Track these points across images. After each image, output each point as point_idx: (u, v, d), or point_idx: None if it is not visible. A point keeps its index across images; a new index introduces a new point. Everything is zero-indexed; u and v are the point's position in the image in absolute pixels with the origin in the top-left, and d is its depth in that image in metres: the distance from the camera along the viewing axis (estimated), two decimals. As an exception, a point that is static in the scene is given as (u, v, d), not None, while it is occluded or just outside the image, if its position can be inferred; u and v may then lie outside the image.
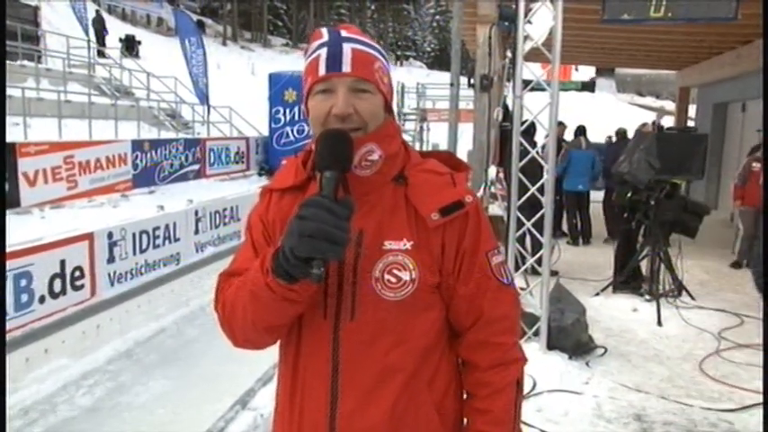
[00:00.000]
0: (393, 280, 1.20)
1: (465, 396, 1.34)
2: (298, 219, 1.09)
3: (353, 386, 1.22)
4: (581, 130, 9.17)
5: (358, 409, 1.22)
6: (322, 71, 1.21)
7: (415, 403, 1.24)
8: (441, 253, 1.24)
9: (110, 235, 5.83)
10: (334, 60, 1.20)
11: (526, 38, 4.33)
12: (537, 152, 4.65)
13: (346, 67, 1.20)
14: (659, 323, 5.27)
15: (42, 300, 4.95)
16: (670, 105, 24.80)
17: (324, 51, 1.22)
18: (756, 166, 7.52)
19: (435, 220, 1.22)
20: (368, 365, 1.22)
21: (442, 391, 1.28)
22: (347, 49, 1.21)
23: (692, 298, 5.92)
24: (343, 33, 1.24)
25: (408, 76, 34.52)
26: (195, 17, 34.99)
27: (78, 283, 5.35)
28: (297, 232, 1.08)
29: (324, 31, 1.26)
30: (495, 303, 1.28)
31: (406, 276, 1.20)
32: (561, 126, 9.42)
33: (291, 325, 1.26)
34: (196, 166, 14.03)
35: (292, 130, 16.02)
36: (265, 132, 16.71)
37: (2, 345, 2.52)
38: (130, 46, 24.30)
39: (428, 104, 22.12)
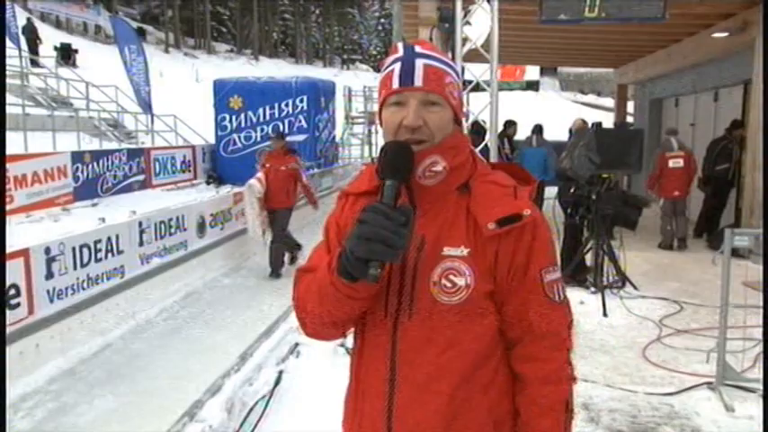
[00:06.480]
0: (449, 285, 1.27)
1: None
2: (358, 222, 1.19)
3: (409, 381, 1.30)
4: (537, 129, 9.26)
5: (412, 403, 1.30)
6: (395, 85, 1.30)
7: (467, 407, 1.30)
8: (494, 262, 1.29)
9: (47, 250, 5.60)
10: (408, 75, 1.29)
11: (465, 39, 4.41)
12: (483, 150, 4.72)
13: (418, 82, 1.29)
14: (605, 314, 5.42)
15: (-24, 321, 4.72)
16: (610, 102, 25.59)
17: (398, 66, 1.31)
18: (676, 162, 8.08)
19: (491, 230, 1.27)
20: (422, 364, 1.29)
21: (496, 400, 1.33)
22: (420, 64, 1.30)
23: (635, 288, 6.12)
24: (417, 49, 1.33)
25: (355, 80, 34.60)
26: (135, 25, 34.12)
27: (14, 301, 5.12)
28: (356, 235, 1.18)
29: (400, 46, 1.36)
30: (545, 320, 1.31)
31: (461, 282, 1.27)
32: (513, 126, 9.57)
33: (357, 319, 1.36)
34: (141, 177, 13.66)
35: (239, 137, 15.78)
36: (212, 140, 16.41)
37: (2, 346, 2.43)
38: (66, 54, 23.47)
39: (376, 108, 22.09)
